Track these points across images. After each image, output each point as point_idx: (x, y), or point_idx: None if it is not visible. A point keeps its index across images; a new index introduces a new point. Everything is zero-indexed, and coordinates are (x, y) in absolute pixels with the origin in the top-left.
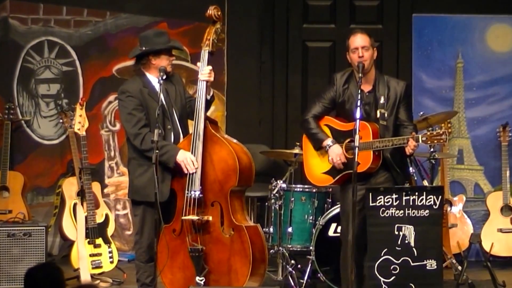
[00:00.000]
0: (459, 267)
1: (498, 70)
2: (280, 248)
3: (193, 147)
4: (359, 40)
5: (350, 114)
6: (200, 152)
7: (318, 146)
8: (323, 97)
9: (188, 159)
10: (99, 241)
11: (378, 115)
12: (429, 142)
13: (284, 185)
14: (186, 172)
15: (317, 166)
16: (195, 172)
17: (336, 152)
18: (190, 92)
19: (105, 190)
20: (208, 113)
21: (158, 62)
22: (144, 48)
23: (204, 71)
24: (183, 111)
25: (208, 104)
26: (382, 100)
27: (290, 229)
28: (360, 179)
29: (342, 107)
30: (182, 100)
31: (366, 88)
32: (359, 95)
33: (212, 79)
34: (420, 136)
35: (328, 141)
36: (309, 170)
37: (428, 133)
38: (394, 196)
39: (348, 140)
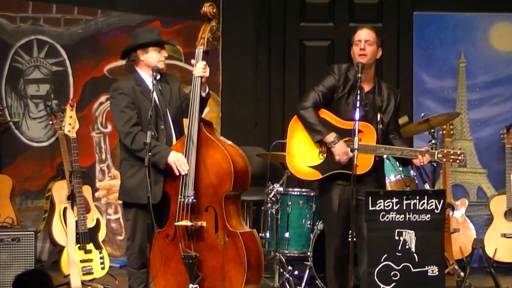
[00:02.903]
0: (462, 274)
1: (501, 70)
2: (277, 253)
3: (187, 150)
4: (363, 33)
5: (348, 110)
6: (194, 155)
7: (318, 139)
8: (322, 85)
9: (179, 160)
10: (90, 246)
11: (378, 119)
12: (444, 159)
13: (281, 189)
14: (177, 174)
15: (304, 158)
16: (188, 175)
17: (342, 151)
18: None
19: (96, 194)
20: (203, 114)
21: (147, 58)
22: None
23: (199, 66)
24: (178, 111)
25: (203, 102)
26: (380, 104)
27: (287, 234)
28: (347, 179)
29: (340, 102)
30: (176, 100)
31: (366, 87)
32: (359, 95)
33: (207, 74)
34: (436, 152)
35: (332, 137)
36: (291, 160)
37: (445, 151)
38: (394, 200)
39: (346, 139)
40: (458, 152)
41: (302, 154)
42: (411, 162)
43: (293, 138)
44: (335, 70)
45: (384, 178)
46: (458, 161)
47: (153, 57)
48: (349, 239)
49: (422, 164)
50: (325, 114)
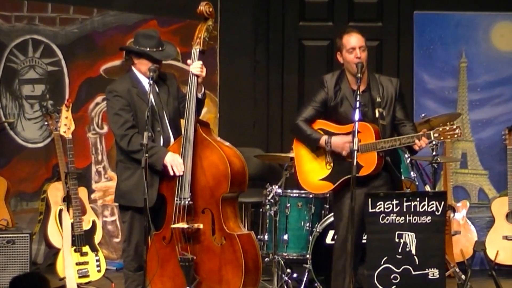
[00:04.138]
0: (463, 276)
1: (503, 70)
2: (275, 256)
3: (183, 151)
4: (356, 40)
5: (345, 116)
6: (190, 156)
7: (316, 146)
8: (314, 100)
9: (175, 161)
10: (86, 249)
11: (377, 114)
12: (442, 138)
13: (279, 190)
14: (172, 174)
15: (313, 173)
16: (184, 177)
17: (341, 143)
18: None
19: (92, 196)
20: (200, 115)
21: (138, 63)
22: (133, 45)
23: (195, 66)
24: (175, 112)
25: (200, 103)
26: (378, 99)
27: (285, 237)
28: (360, 183)
29: (335, 110)
30: (174, 101)
31: (360, 88)
32: (358, 96)
33: (203, 74)
34: (432, 132)
35: (325, 138)
36: (304, 178)
37: (441, 129)
38: (394, 202)
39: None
40: (454, 127)
41: (311, 170)
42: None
43: (299, 157)
44: (324, 83)
45: (399, 180)
46: (455, 135)
47: (143, 65)
48: (361, 243)
49: (421, 148)
50: (323, 124)
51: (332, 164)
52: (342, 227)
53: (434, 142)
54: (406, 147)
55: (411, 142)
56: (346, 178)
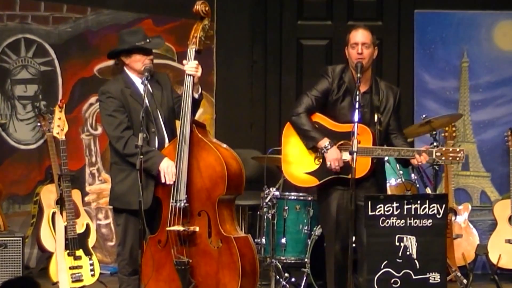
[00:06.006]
0: (465, 281)
1: (505, 70)
2: (273, 260)
3: (179, 153)
4: (360, 36)
5: (344, 113)
6: (186, 157)
7: (312, 145)
8: (315, 89)
9: (168, 169)
10: (80, 252)
11: (376, 119)
12: (443, 158)
13: (277, 193)
14: (163, 181)
15: (300, 165)
16: (179, 179)
17: (335, 157)
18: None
19: (86, 198)
20: (196, 116)
21: (131, 62)
22: (120, 45)
23: (190, 65)
24: (170, 113)
25: (196, 103)
26: (377, 104)
27: (283, 240)
28: (347, 184)
29: (335, 104)
30: (169, 102)
31: (362, 88)
32: (358, 97)
33: (199, 74)
34: (434, 150)
35: (326, 143)
36: (288, 167)
37: (444, 149)
38: (394, 204)
39: (341, 142)
40: (458, 150)
41: (298, 161)
42: (411, 164)
43: (287, 145)
44: (328, 73)
45: (385, 182)
46: (458, 159)
47: (137, 61)
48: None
49: (420, 163)
50: (320, 118)
51: (321, 160)
52: (329, 228)
53: (435, 144)
54: (398, 158)
55: (410, 156)
56: (332, 178)
